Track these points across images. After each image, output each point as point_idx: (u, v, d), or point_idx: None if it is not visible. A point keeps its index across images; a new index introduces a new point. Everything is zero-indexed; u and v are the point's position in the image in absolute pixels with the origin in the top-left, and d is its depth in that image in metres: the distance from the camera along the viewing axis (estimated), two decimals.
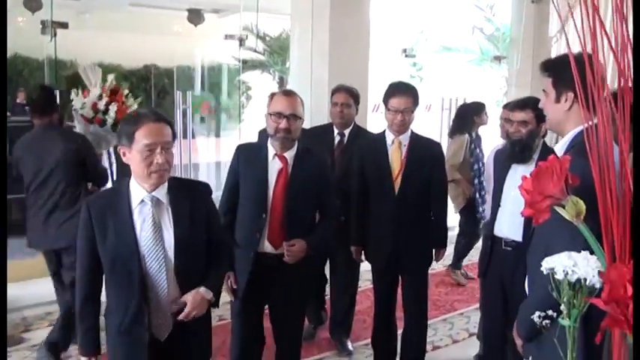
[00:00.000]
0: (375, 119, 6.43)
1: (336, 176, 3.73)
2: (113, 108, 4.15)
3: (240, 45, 6.20)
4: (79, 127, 4.23)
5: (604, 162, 1.33)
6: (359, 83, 5.82)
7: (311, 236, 2.88)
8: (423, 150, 3.41)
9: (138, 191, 2.19)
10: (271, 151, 2.87)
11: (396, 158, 3.37)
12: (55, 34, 4.64)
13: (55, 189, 3.71)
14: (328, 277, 4.26)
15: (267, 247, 2.85)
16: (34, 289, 4.96)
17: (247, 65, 13.54)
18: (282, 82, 14.38)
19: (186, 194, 2.28)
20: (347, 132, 3.94)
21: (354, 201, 3.55)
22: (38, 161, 3.71)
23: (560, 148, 1.84)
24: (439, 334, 4.38)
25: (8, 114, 9.20)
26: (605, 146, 1.32)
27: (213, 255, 2.36)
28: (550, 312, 1.58)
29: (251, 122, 10.73)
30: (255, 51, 12.13)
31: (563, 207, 1.46)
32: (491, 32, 10.79)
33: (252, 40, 12.28)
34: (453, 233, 7.05)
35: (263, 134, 3.47)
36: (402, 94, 3.32)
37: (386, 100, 3.38)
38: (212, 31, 11.04)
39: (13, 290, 4.98)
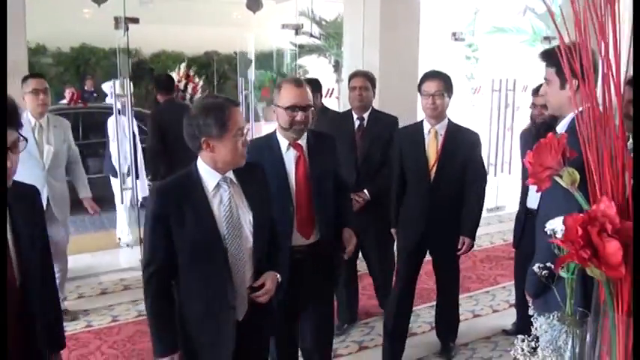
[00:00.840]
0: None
1: (359, 160, 3.94)
2: (190, 87, 6.68)
3: (296, 33, 6.53)
4: None
5: (591, 140, 1.58)
6: (409, 68, 6.08)
7: (349, 220, 2.95)
8: (459, 140, 3.46)
9: (211, 175, 2.20)
10: (284, 142, 2.80)
11: (432, 148, 3.45)
12: (128, 29, 5.07)
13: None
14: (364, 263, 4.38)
15: (298, 239, 2.80)
16: (108, 258, 5.52)
17: (304, 50, 13.86)
18: (337, 65, 14.64)
19: (249, 175, 2.30)
20: (366, 116, 4.06)
21: (394, 189, 3.66)
22: (176, 126, 4.62)
23: (561, 128, 2.10)
24: (480, 304, 4.64)
25: (80, 104, 9.81)
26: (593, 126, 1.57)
27: (273, 237, 2.42)
28: (549, 264, 1.85)
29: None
30: (311, 36, 12.41)
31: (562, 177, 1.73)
32: (543, 11, 10.69)
33: (310, 26, 12.57)
34: (502, 213, 7.28)
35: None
36: (433, 78, 3.42)
37: (419, 87, 3.48)
38: (270, 18, 11.38)
39: (90, 259, 5.56)
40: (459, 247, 3.53)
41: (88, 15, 11.65)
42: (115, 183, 5.91)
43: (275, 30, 9.47)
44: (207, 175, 2.21)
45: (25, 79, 4.06)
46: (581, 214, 1.29)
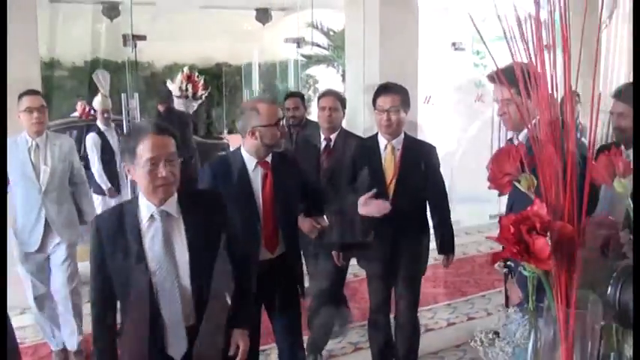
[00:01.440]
0: (426, 111, 6.81)
1: (323, 182, 3.78)
2: (190, 86, 7.85)
3: (298, 47, 6.77)
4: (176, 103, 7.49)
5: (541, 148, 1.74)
6: (409, 80, 6.20)
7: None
8: (417, 154, 3.33)
9: (147, 206, 2.10)
10: (250, 160, 2.81)
11: (389, 164, 3.31)
12: (136, 46, 5.29)
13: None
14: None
15: (264, 253, 2.82)
16: None
17: (312, 60, 14.04)
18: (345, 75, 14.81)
19: (199, 206, 2.20)
20: (333, 137, 3.93)
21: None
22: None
23: (522, 138, 2.28)
24: (476, 308, 4.78)
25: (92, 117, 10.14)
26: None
27: (236, 274, 2.31)
28: (509, 263, 2.01)
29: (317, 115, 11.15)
30: (315, 45, 12.60)
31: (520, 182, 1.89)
32: (542, 20, 10.81)
33: (318, 36, 12.75)
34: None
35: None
36: (388, 92, 3.26)
37: (373, 101, 3.31)
38: (279, 29, 11.57)
39: None
40: (444, 263, 3.50)
41: (101, 29, 11.94)
42: (96, 200, 5.96)
43: (282, 42, 9.72)
44: (144, 205, 2.12)
45: (20, 96, 3.75)
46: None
